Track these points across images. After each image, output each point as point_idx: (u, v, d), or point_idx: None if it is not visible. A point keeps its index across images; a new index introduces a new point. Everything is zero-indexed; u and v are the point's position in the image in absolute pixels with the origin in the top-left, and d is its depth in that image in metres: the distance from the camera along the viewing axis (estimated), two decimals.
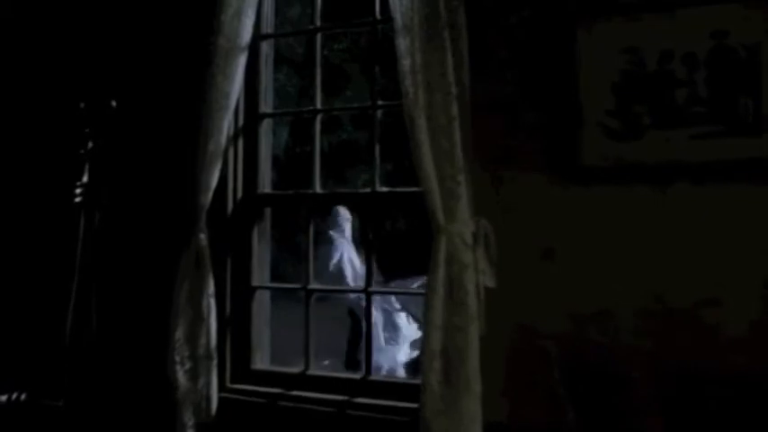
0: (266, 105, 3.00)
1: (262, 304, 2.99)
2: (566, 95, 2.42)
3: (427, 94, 2.43)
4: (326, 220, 7.15)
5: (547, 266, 2.45)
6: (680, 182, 2.28)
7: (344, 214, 7.19)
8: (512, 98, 2.50)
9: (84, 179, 2.75)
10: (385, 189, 2.76)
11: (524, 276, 2.48)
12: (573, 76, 2.40)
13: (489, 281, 2.45)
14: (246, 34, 2.81)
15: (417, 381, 2.44)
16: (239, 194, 2.97)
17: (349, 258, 7.00)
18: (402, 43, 2.47)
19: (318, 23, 2.94)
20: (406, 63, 2.45)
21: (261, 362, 2.96)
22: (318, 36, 2.92)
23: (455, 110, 2.41)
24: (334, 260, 6.92)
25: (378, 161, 2.77)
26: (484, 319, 2.42)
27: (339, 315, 7.29)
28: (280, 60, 10.20)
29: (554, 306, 2.44)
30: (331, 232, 7.05)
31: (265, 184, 2.98)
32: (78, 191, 2.61)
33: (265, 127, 3.00)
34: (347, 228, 7.18)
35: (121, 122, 2.92)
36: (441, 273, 2.39)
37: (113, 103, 2.75)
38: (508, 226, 2.48)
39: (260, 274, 2.98)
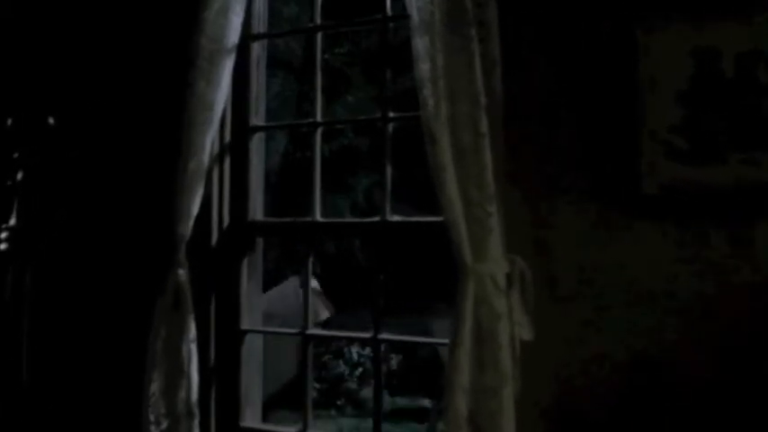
0: (258, 117, 2.57)
1: (252, 351, 2.55)
2: (620, 109, 1.98)
3: (451, 105, 2.00)
4: None
5: (594, 317, 2.02)
6: None
7: None
8: (553, 111, 2.06)
9: (12, 221, 2.29)
10: (397, 218, 2.32)
11: (565, 328, 2.04)
12: (630, 85, 1.96)
13: (526, 333, 2.02)
14: (234, 34, 2.39)
15: None
16: (225, 222, 2.53)
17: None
18: (420, 44, 2.04)
19: (319, 21, 2.50)
20: (424, 67, 2.03)
21: (252, 419, 2.53)
22: (319, 36, 2.48)
23: (485, 124, 1.98)
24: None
25: (389, 183, 2.34)
26: (520, 377, 1.99)
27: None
28: (275, 64, 9.69)
29: (602, 366, 2.00)
30: None
31: (256, 210, 2.55)
32: (3, 235, 2.15)
33: (257, 142, 2.57)
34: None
35: (68, 142, 2.46)
36: (468, 324, 1.97)
37: (51, 120, 2.28)
38: (547, 267, 2.05)
39: (250, 315, 2.55)
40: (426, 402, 8.65)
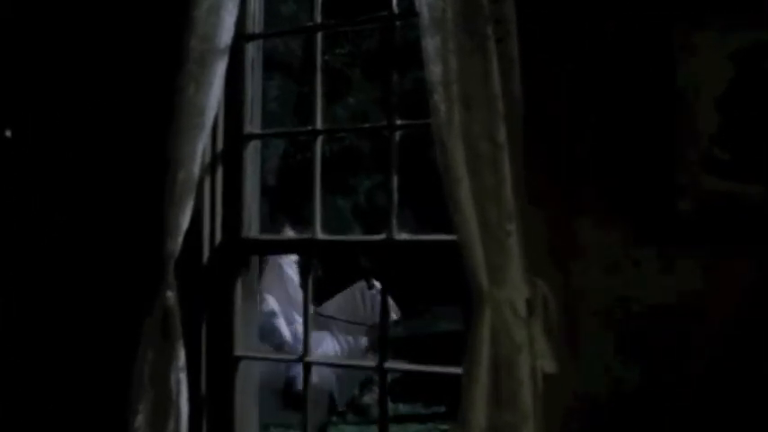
0: (253, 123, 2.37)
1: (248, 378, 2.35)
2: (654, 117, 1.79)
3: (465, 112, 1.81)
4: None
5: (621, 347, 1.82)
6: None
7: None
8: (578, 119, 1.86)
9: None
10: (405, 236, 2.12)
11: (591, 359, 1.85)
12: (666, 90, 1.76)
13: (549, 365, 1.82)
14: (226, 34, 2.19)
15: None
16: (218, 239, 2.33)
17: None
18: (430, 44, 1.84)
19: (319, 20, 2.30)
20: (435, 70, 1.83)
21: None
22: (319, 36, 2.28)
23: (503, 133, 1.78)
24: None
25: (395, 198, 2.14)
26: (542, 414, 1.79)
27: None
28: (272, 66, 9.39)
29: (632, 399, 1.81)
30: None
31: (251, 225, 2.35)
32: None
33: (252, 151, 2.37)
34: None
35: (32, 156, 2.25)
36: (484, 356, 1.77)
37: (8, 133, 2.08)
38: (571, 291, 1.85)
39: (245, 339, 2.34)
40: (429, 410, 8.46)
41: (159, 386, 2.17)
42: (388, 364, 2.15)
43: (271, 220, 8.51)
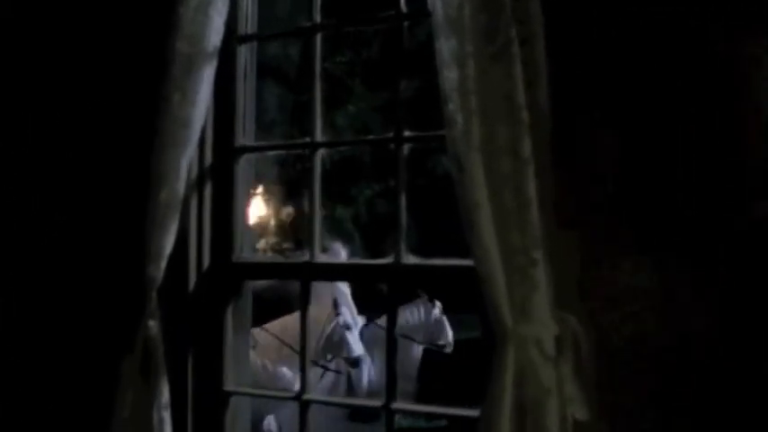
0: (246, 135, 2.15)
1: (239, 416, 2.12)
2: (714, 137, 1.56)
3: (485, 124, 1.59)
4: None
5: (661, 391, 1.60)
6: None
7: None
8: (617, 132, 1.64)
9: None
10: (414, 261, 1.90)
11: (627, 404, 1.62)
12: (730, 107, 1.54)
13: (581, 411, 1.59)
14: (215, 35, 1.98)
15: None
16: (205, 263, 2.10)
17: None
18: (445, 47, 1.63)
19: (318, 20, 2.08)
20: (451, 76, 1.61)
21: None
22: (318, 37, 2.05)
23: (528, 148, 1.57)
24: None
25: (404, 218, 1.91)
26: None
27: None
28: (266, 72, 9.05)
29: None
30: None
31: (243, 248, 2.12)
32: None
33: (244, 166, 2.14)
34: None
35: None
36: (507, 401, 1.55)
37: None
38: (605, 329, 1.63)
39: (236, 373, 2.12)
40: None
41: (141, 426, 1.95)
42: (396, 405, 1.93)
43: None
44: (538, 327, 1.56)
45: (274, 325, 5.82)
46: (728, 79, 1.53)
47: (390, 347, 1.97)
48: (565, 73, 1.62)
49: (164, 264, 1.96)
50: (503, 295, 1.56)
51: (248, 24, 2.16)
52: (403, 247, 1.87)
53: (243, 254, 2.12)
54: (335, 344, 5.94)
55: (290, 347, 5.53)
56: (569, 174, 1.63)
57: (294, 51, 9.50)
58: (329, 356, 6.01)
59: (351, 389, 6.17)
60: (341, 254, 6.13)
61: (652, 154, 1.61)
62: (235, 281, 2.11)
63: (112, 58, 2.18)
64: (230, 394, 2.09)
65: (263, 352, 5.74)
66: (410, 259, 1.90)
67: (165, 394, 1.96)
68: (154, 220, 1.95)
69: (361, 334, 6.23)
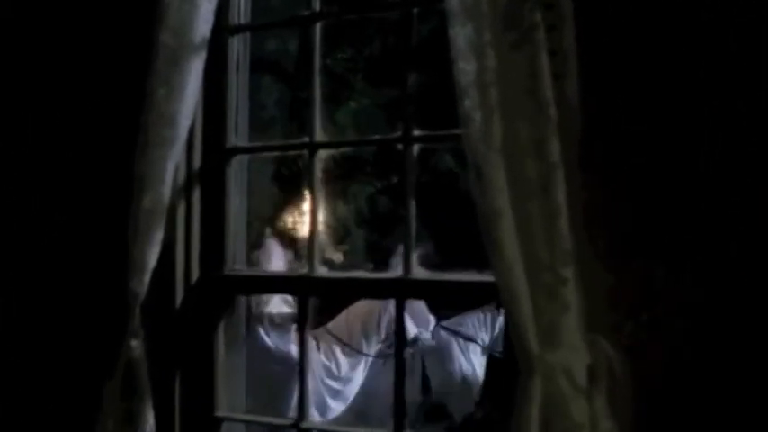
0: (239, 135, 1.96)
1: None
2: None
3: (506, 122, 1.40)
4: None
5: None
6: None
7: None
8: (655, 130, 1.44)
9: None
10: (424, 275, 1.71)
11: None
12: None
13: None
14: (204, 25, 1.79)
15: None
16: (194, 276, 1.91)
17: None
18: (460, 35, 1.44)
19: (318, 8, 1.89)
20: (467, 68, 1.42)
21: None
22: (317, 27, 1.86)
23: (556, 149, 1.37)
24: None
25: (413, 228, 1.72)
26: None
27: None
28: (264, 67, 8.76)
29: None
30: None
31: (236, 258, 1.93)
32: None
33: (237, 168, 1.95)
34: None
35: None
36: None
37: None
38: (643, 354, 1.44)
39: (229, 396, 1.93)
40: None
41: None
42: None
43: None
44: (568, 354, 1.37)
45: (338, 321, 5.62)
46: None
47: (399, 370, 1.77)
48: (598, 64, 1.42)
49: (147, 277, 1.77)
50: (528, 318, 1.37)
51: (241, 14, 1.96)
52: (414, 258, 1.68)
53: (235, 265, 1.93)
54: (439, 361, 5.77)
55: (349, 347, 5.38)
56: (600, 178, 1.44)
57: (294, 47, 9.27)
58: (388, 343, 5.75)
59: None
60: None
61: (693, 156, 1.42)
62: (226, 295, 1.92)
63: (93, 51, 1.99)
64: (222, 420, 1.91)
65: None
66: (420, 273, 1.71)
67: (149, 421, 1.78)
68: (136, 229, 1.76)
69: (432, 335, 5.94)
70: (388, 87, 9.83)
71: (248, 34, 1.98)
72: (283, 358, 5.10)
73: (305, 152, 1.87)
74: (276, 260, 5.58)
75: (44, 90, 2.07)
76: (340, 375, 5.51)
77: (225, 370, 1.91)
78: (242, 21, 1.96)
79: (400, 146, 1.73)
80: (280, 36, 8.65)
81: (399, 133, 1.74)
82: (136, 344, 1.78)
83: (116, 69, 1.93)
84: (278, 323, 5.27)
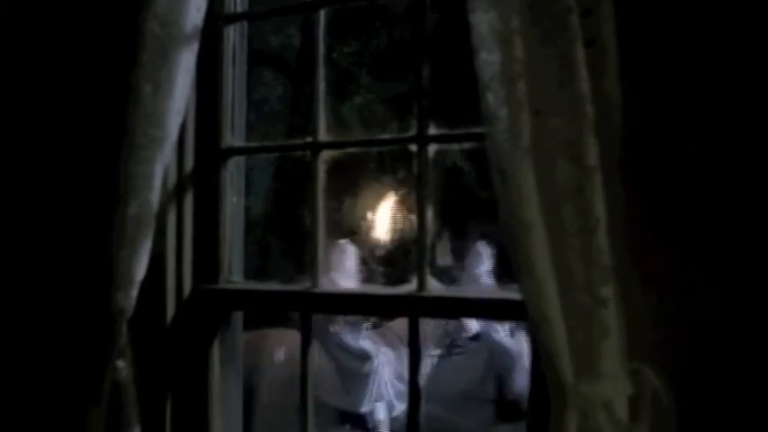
0: (235, 134, 1.79)
1: None
2: None
3: (537, 120, 1.23)
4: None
5: None
6: None
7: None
8: (708, 132, 1.26)
9: None
10: (440, 291, 1.53)
11: None
12: None
13: None
14: (195, 13, 1.62)
15: None
16: (186, 290, 1.74)
17: None
18: (483, 21, 1.27)
19: None
20: (491, 59, 1.26)
21: None
22: (322, 15, 1.68)
23: (594, 152, 1.20)
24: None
25: (429, 237, 1.55)
26: None
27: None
28: (262, 60, 8.46)
29: None
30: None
31: (233, 270, 1.76)
32: None
33: (233, 170, 1.78)
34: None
35: None
36: None
37: None
38: (691, 383, 1.27)
39: (224, 420, 1.76)
40: None
41: None
42: None
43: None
44: (607, 385, 1.21)
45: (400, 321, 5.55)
46: None
47: (414, 392, 1.60)
48: (641, 54, 1.24)
49: (135, 290, 1.60)
50: (561, 344, 1.20)
51: (237, 1, 1.79)
52: (428, 274, 1.50)
53: (231, 277, 1.75)
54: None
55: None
56: (644, 184, 1.26)
57: (299, 42, 9.07)
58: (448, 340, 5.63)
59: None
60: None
61: (756, 162, 1.24)
62: (222, 310, 1.75)
63: (72, 42, 1.81)
64: None
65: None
66: (435, 288, 1.53)
67: None
68: (122, 238, 1.59)
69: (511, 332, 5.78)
70: (393, 81, 9.63)
71: (245, 23, 1.81)
72: (362, 354, 5.36)
73: (307, 153, 1.70)
74: (350, 259, 5.66)
75: (17, 85, 1.90)
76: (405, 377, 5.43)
77: (220, 393, 1.73)
78: (238, 8, 1.79)
79: (414, 146, 1.55)
80: (283, 30, 8.44)
81: (413, 132, 1.56)
82: (122, 365, 1.62)
83: (98, 62, 1.75)
84: (350, 321, 5.40)
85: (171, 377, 1.72)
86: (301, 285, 1.67)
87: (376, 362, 5.39)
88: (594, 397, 1.20)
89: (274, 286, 1.76)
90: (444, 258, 7.58)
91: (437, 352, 5.58)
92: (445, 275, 6.05)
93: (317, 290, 1.63)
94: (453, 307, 1.54)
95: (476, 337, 5.59)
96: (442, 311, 1.58)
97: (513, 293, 1.33)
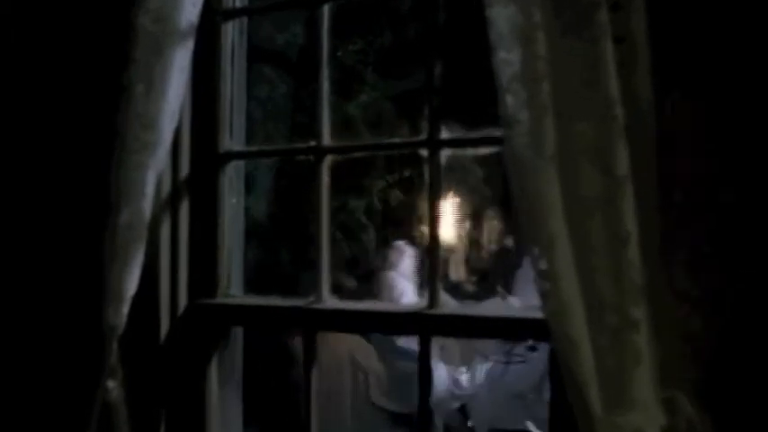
0: (234, 137, 1.69)
1: None
2: None
3: (562, 125, 1.12)
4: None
5: None
6: None
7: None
8: (746, 141, 1.15)
9: None
10: (453, 308, 1.43)
11: None
12: None
13: None
14: (191, 8, 1.51)
15: None
16: (181, 305, 1.63)
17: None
18: (502, 17, 1.16)
19: None
20: (510, 58, 1.15)
21: None
22: (326, 9, 1.58)
23: (624, 159, 1.09)
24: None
25: (440, 248, 1.44)
26: None
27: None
28: (259, 56, 8.25)
29: None
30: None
31: (232, 283, 1.65)
32: None
33: (232, 176, 1.68)
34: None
35: None
36: None
37: None
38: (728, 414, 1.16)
39: None
40: None
41: None
42: None
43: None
44: (639, 415, 1.10)
45: None
46: None
47: (423, 416, 1.49)
48: (676, 52, 1.13)
49: (126, 306, 1.50)
50: (588, 369, 1.10)
51: None
52: (440, 290, 1.39)
53: (230, 290, 1.65)
54: None
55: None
56: (681, 196, 1.15)
57: (303, 40, 8.95)
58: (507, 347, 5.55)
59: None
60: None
61: None
62: (219, 326, 1.64)
63: (59, 39, 1.71)
64: None
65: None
66: (448, 305, 1.42)
67: None
68: (113, 249, 1.49)
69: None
70: (399, 79, 9.52)
71: (245, 19, 1.70)
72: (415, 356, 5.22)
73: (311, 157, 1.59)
74: (407, 260, 5.52)
75: (14, 85, 1.80)
76: (463, 388, 5.34)
77: (219, 414, 1.63)
78: (237, 3, 1.68)
79: (424, 151, 1.44)
80: (288, 29, 8.29)
81: (424, 136, 1.45)
82: (113, 385, 1.52)
83: (87, 60, 1.65)
84: None
85: (165, 398, 1.62)
86: (305, 300, 1.56)
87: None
88: (626, 428, 1.09)
89: (276, 301, 1.65)
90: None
91: (495, 357, 5.49)
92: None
93: (321, 305, 1.52)
94: (467, 325, 1.43)
95: (533, 348, 5.49)
96: (454, 330, 1.48)
97: (534, 312, 1.22)
